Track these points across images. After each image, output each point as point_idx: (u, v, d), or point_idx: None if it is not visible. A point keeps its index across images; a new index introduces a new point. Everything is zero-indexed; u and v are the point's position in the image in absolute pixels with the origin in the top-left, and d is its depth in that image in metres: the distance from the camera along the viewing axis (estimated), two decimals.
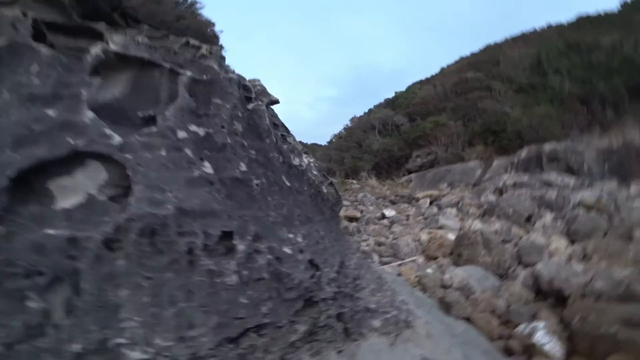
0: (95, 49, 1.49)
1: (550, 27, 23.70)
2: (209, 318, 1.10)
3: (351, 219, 9.56)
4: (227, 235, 1.27)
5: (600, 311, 4.24)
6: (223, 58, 2.44)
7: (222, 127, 1.58)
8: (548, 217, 9.00)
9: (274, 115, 3.86)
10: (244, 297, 1.21)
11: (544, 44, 21.17)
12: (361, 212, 10.39)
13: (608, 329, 4.00)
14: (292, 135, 4.02)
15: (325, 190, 3.18)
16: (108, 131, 1.29)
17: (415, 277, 5.77)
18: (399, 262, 6.58)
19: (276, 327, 1.26)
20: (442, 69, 25.62)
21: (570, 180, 11.39)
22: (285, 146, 2.96)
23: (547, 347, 3.95)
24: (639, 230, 7.84)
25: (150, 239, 1.09)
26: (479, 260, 6.15)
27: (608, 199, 9.55)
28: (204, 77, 1.65)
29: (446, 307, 4.35)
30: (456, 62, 25.73)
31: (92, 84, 1.42)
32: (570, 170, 12.76)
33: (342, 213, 10.21)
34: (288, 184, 2.05)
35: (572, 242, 7.49)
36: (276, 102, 4.65)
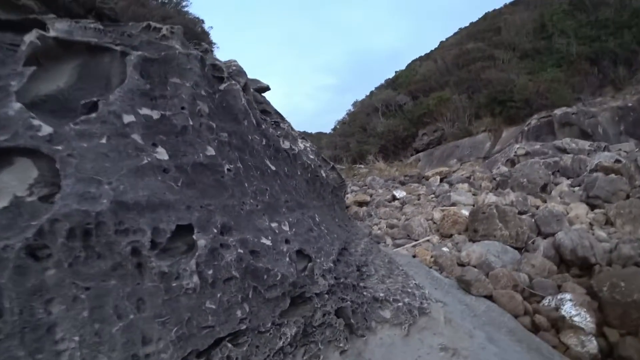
0: (29, 37, 1.26)
1: None
2: (167, 330, 0.90)
3: (361, 204, 9.32)
4: (185, 230, 1.06)
5: (630, 277, 3.95)
6: (199, 44, 2.20)
7: (183, 108, 1.35)
8: (565, 184, 8.63)
9: (262, 102, 3.62)
10: (211, 302, 1.00)
11: (546, 5, 20.30)
12: (371, 195, 10.15)
13: None
14: (287, 122, 3.78)
15: (324, 175, 2.94)
16: (36, 122, 1.07)
17: (431, 257, 5.54)
18: (413, 243, 6.34)
19: (257, 332, 1.06)
20: (442, 43, 24.86)
21: (585, 144, 10.93)
22: (276, 131, 2.73)
23: (576, 319, 3.70)
24: None
25: (83, 241, 0.88)
26: (496, 234, 5.87)
27: (627, 161, 9.11)
28: (158, 55, 1.42)
29: (466, 285, 4.11)
30: (455, 35, 24.95)
31: (25, 74, 1.19)
32: (584, 135, 12.27)
33: (351, 198, 9.98)
34: (273, 168, 1.82)
35: (593, 208, 7.14)
36: (266, 88, 4.40)
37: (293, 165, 2.35)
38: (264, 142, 1.93)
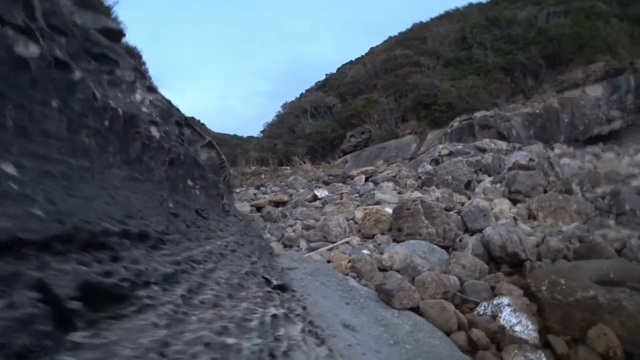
0: None
1: (471, 4, 24.25)
2: None
3: (277, 204, 8.16)
4: None
5: (570, 273, 3.33)
6: None
7: None
8: (487, 181, 8.46)
9: (105, 46, 2.40)
10: None
11: (467, 20, 21.51)
12: (290, 195, 9.04)
13: (583, 293, 3.09)
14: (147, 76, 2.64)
15: (184, 150, 1.75)
16: None
17: (348, 262, 4.56)
18: (330, 246, 5.33)
19: None
20: (372, 49, 25.11)
21: (503, 145, 11.17)
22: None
23: (517, 329, 2.93)
24: (574, 184, 7.54)
25: None
26: (422, 232, 5.13)
27: (540, 159, 9.33)
28: None
29: (386, 297, 3.16)
30: (385, 42, 25.41)
31: None
32: (500, 136, 12.66)
33: (268, 198, 8.77)
34: None
35: (515, 203, 6.90)
36: (117, 33, 3.12)
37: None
38: None
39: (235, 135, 42.93)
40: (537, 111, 14.10)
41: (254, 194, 10.45)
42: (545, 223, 5.95)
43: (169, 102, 2.96)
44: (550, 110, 14.24)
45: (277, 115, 25.20)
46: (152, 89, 2.77)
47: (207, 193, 2.72)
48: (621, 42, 16.75)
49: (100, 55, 2.33)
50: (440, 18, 24.49)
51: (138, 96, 2.36)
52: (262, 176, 15.38)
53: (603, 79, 15.71)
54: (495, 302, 3.24)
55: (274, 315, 1.21)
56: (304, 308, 1.83)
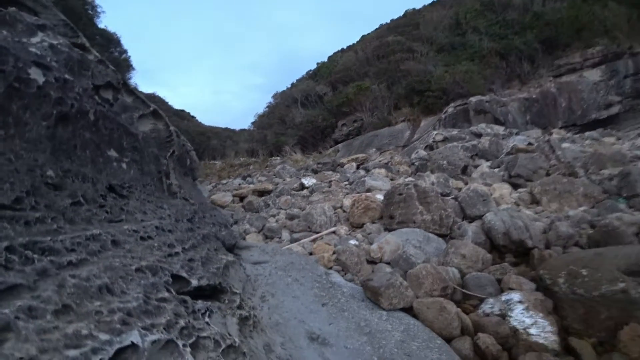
0: None
1: None
2: None
3: (261, 193, 7.58)
4: None
5: (594, 262, 2.80)
6: None
7: None
8: (484, 165, 7.92)
9: None
10: None
11: (461, 5, 20.88)
12: (276, 184, 8.45)
13: (610, 286, 2.56)
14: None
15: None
16: None
17: (332, 254, 4.01)
18: (314, 236, 4.78)
19: None
20: (363, 36, 24.38)
21: (500, 129, 10.65)
22: None
23: (533, 332, 2.40)
24: (578, 167, 7.05)
25: None
26: (416, 219, 4.58)
27: (540, 142, 8.83)
28: None
29: (373, 295, 2.61)
30: (377, 29, 24.68)
31: None
32: (497, 122, 12.15)
33: (252, 187, 8.17)
34: None
35: (515, 187, 6.39)
36: None
37: None
38: None
39: (227, 128, 42.09)
40: (534, 96, 13.61)
41: (239, 184, 9.85)
42: (550, 208, 5.44)
43: (102, 60, 2.36)
44: (548, 95, 13.75)
45: (267, 106, 24.48)
46: (83, 47, 2.17)
47: (140, 168, 2.13)
48: (619, 26, 16.26)
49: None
50: (434, 4, 23.83)
51: (35, 39, 1.76)
52: (251, 167, 14.75)
53: (601, 63, 15.23)
54: (503, 299, 2.70)
55: (134, 344, 0.64)
56: (245, 318, 1.26)
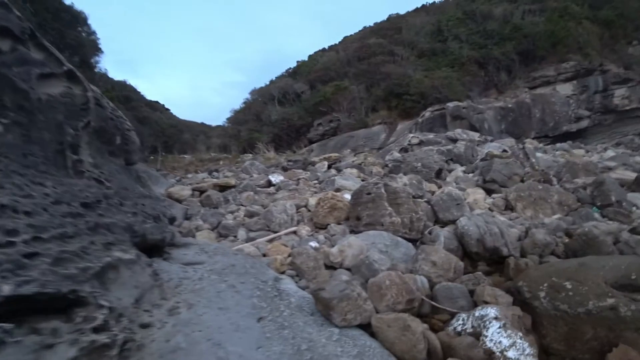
0: None
1: None
2: None
3: (223, 188, 7.00)
4: None
5: (575, 274, 2.46)
6: None
7: None
8: (459, 170, 7.70)
9: None
10: None
11: (443, 13, 21.03)
12: (242, 180, 7.89)
13: (598, 302, 2.22)
14: None
15: None
16: None
17: (287, 256, 3.52)
18: (271, 236, 4.28)
19: None
20: (345, 37, 24.17)
21: (475, 135, 10.54)
22: None
23: (511, 356, 2.04)
24: (552, 175, 6.92)
25: None
26: (384, 221, 4.18)
27: (516, 148, 8.73)
28: None
29: (324, 308, 2.15)
30: (359, 31, 24.52)
31: None
32: (472, 128, 12.08)
33: (214, 181, 7.59)
34: None
35: (489, 193, 6.14)
36: None
37: None
38: None
39: (202, 123, 40.84)
40: (510, 106, 13.70)
41: (203, 178, 9.21)
42: (524, 214, 5.19)
43: (4, 3, 1.79)
44: (523, 106, 13.89)
45: (244, 102, 23.75)
46: None
47: (25, 134, 1.59)
48: (592, 43, 16.76)
49: None
50: (417, 10, 23.93)
51: None
52: (221, 162, 14.07)
53: (573, 78, 15.60)
54: (477, 314, 2.31)
55: None
56: (101, 347, 0.78)
